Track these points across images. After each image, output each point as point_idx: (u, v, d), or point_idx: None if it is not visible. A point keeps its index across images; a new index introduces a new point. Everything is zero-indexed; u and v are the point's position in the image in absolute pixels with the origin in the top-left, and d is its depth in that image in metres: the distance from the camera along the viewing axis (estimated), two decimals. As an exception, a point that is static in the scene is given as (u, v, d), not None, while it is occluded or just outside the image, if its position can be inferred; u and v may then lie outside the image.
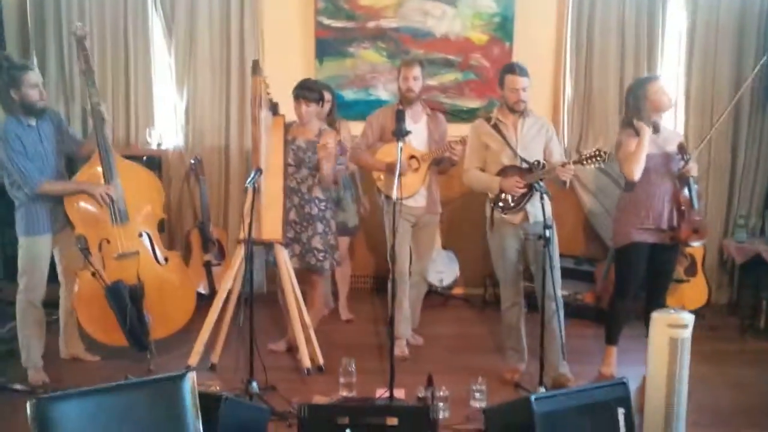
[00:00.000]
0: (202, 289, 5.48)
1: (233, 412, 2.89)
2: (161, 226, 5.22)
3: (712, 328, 5.27)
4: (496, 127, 4.14)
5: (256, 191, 3.93)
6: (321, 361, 4.28)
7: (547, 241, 3.73)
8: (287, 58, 5.95)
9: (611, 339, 4.37)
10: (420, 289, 4.84)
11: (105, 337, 4.21)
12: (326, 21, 5.90)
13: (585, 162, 3.83)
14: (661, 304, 4.29)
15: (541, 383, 3.83)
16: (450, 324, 5.44)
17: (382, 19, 5.89)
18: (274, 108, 4.42)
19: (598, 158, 3.78)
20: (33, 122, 4.08)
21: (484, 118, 4.25)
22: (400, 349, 4.62)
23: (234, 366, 4.00)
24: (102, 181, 4.14)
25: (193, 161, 5.68)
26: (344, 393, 3.90)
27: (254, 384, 3.73)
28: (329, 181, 4.30)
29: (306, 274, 4.51)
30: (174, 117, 5.99)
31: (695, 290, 5.31)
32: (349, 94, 5.95)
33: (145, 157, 5.64)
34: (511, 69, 4.12)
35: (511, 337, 4.35)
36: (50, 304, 4.37)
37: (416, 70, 4.50)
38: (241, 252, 4.09)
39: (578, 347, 4.76)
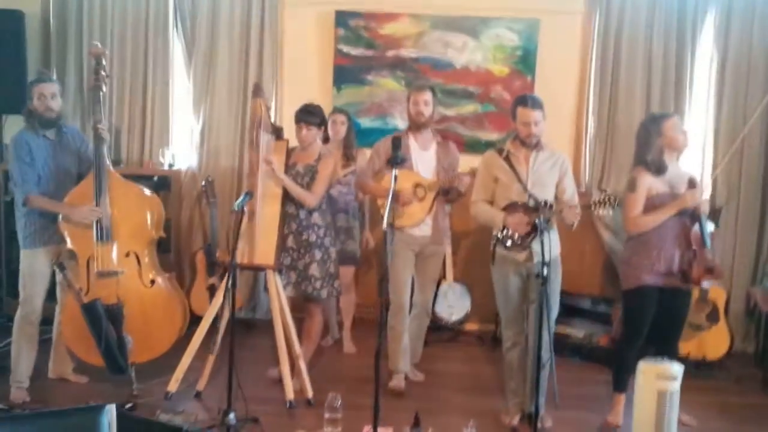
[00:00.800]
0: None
1: (195, 444, 2.76)
2: (165, 246, 5.21)
3: (735, 380, 4.98)
4: (507, 159, 3.98)
5: (244, 214, 3.84)
6: (310, 394, 4.13)
7: (544, 280, 3.54)
8: (305, 85, 5.89)
9: (619, 386, 4.14)
10: (422, 321, 4.66)
11: (86, 356, 4.14)
12: (346, 49, 5.84)
13: (593, 206, 3.66)
14: (673, 352, 4.08)
15: (534, 430, 3.62)
16: (455, 361, 5.23)
17: (402, 48, 5.82)
18: (277, 132, 4.34)
19: (607, 204, 3.61)
20: (50, 135, 4.13)
21: (496, 150, 4.10)
22: (398, 381, 4.46)
23: (220, 395, 3.87)
24: (92, 198, 4.09)
25: (204, 183, 5.63)
26: (328, 429, 3.73)
27: (231, 415, 3.59)
28: (303, 200, 4.19)
29: (304, 303, 4.39)
30: (190, 138, 5.97)
31: (717, 338, 5.03)
32: (365, 122, 5.87)
33: (156, 177, 5.63)
34: (523, 101, 3.95)
35: (512, 379, 4.14)
36: (47, 321, 4.34)
37: (426, 95, 4.39)
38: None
39: (587, 394, 4.54)
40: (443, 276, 5.70)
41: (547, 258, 3.66)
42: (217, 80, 5.87)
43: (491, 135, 5.84)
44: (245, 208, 3.81)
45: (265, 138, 4.14)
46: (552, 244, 3.91)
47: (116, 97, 5.91)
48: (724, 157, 5.24)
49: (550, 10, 5.73)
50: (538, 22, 5.72)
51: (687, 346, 4.98)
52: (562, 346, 5.37)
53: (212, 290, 5.52)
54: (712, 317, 5.01)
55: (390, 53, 5.83)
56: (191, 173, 5.93)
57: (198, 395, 4.15)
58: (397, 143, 3.77)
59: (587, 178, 5.75)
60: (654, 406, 2.43)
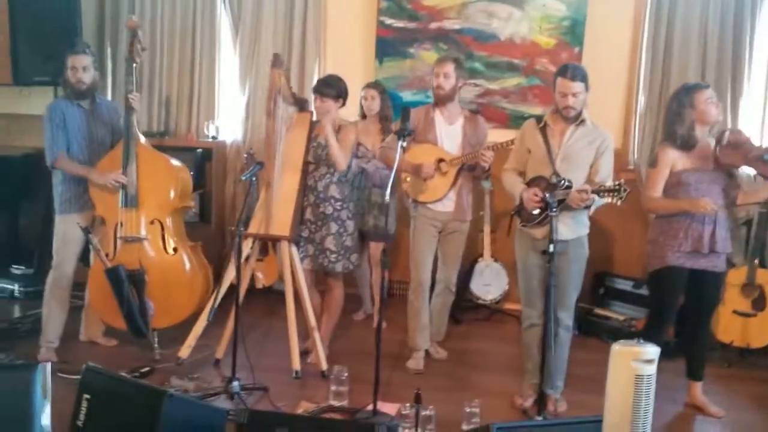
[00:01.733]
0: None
1: (179, 410, 2.82)
2: (206, 217, 5.30)
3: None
4: (543, 131, 3.83)
5: (252, 185, 3.85)
6: (324, 366, 4.13)
7: (551, 257, 3.41)
8: (348, 58, 5.88)
9: (643, 373, 3.97)
10: (445, 299, 4.57)
11: (111, 320, 4.28)
12: (388, 21, 5.77)
13: (602, 194, 3.49)
14: (702, 339, 3.90)
15: (539, 413, 3.52)
16: (487, 340, 5.13)
17: (445, 20, 5.69)
18: (302, 104, 4.34)
19: (616, 194, 3.43)
20: (85, 104, 4.28)
21: (536, 120, 3.94)
22: (416, 361, 4.42)
23: (241, 363, 3.93)
24: (120, 166, 4.20)
25: (246, 155, 5.69)
26: (333, 402, 3.73)
27: (235, 383, 3.63)
28: (337, 159, 4.16)
29: (324, 277, 4.40)
30: (235, 111, 6.05)
31: (763, 325, 4.73)
32: (407, 95, 5.79)
33: (200, 150, 5.73)
34: (564, 71, 3.73)
35: (529, 360, 4.03)
36: (81, 286, 4.50)
37: (447, 67, 4.25)
38: (248, 246, 4.04)
39: None
40: (480, 253, 5.61)
41: (559, 237, 3.55)
42: (261, 54, 5.89)
43: (536, 109, 5.63)
44: (253, 179, 3.81)
45: (287, 109, 4.13)
46: (574, 224, 3.78)
47: (166, 70, 6.04)
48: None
49: (600, -22, 5.47)
50: (587, -10, 5.47)
51: (731, 334, 4.73)
52: (600, 328, 5.23)
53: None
54: (759, 303, 4.72)
55: (433, 25, 5.71)
56: (236, 146, 6.01)
57: (217, 363, 4.23)
58: (405, 114, 3.69)
59: (636, 155, 5.50)
60: (630, 390, 2.29)
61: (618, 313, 5.31)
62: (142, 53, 4.40)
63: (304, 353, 4.40)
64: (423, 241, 4.39)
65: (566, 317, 3.83)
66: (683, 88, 3.83)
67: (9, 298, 5.39)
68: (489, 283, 5.59)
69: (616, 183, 3.45)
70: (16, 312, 5.11)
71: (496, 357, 4.79)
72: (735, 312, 4.72)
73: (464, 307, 5.62)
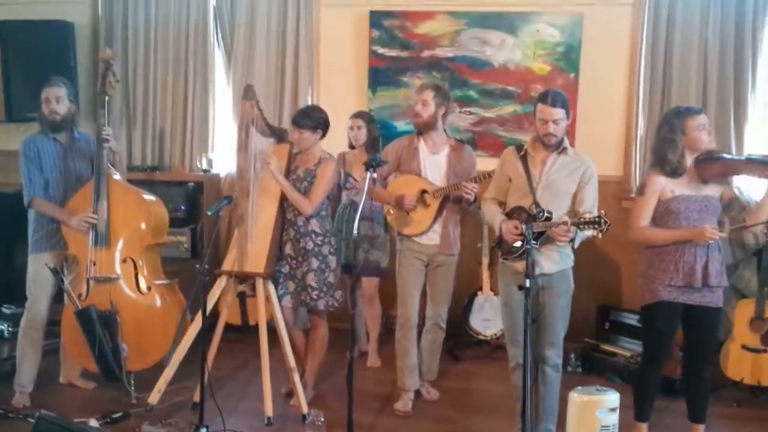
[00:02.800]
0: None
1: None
2: (197, 251, 5.16)
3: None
4: (524, 159, 3.67)
5: (219, 219, 3.73)
6: (305, 409, 3.94)
7: (527, 293, 3.23)
8: (341, 88, 5.80)
9: (641, 415, 3.73)
10: (435, 335, 4.36)
11: (83, 362, 4.16)
12: (381, 50, 5.68)
13: (581, 227, 3.31)
14: (702, 379, 3.66)
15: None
16: (485, 379, 4.89)
17: (438, 48, 5.58)
18: (279, 135, 4.23)
19: (596, 226, 3.25)
20: (62, 139, 4.20)
21: (516, 148, 3.79)
22: (404, 403, 4.23)
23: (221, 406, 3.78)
24: (91, 204, 4.10)
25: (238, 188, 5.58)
26: (308, 449, 3.55)
27: (204, 431, 3.47)
28: (299, 206, 4.04)
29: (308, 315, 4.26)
30: (230, 143, 5.96)
31: (774, 363, 4.48)
32: (401, 125, 5.66)
33: (191, 183, 5.64)
34: (544, 97, 3.57)
35: (518, 401, 3.81)
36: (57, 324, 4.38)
37: (425, 94, 4.10)
38: (221, 284, 3.91)
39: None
40: (480, 287, 5.42)
41: (538, 272, 3.39)
42: (254, 84, 5.80)
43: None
44: (220, 214, 3.68)
45: (261, 141, 4.03)
46: (559, 258, 3.59)
47: (159, 104, 6.01)
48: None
49: (594, 3, 5.33)
50: (581, 15, 5.34)
51: (740, 371, 4.48)
52: (605, 365, 5.00)
53: (242, 298, 5.47)
54: (769, 339, 4.47)
55: (425, 53, 5.61)
56: (230, 179, 5.90)
57: (195, 407, 4.06)
58: (375, 143, 3.54)
59: (638, 182, 5.29)
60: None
61: (624, 349, 5.06)
62: (115, 86, 4.30)
63: (289, 395, 4.24)
64: (409, 276, 4.22)
65: (554, 355, 3.62)
66: (675, 112, 3.64)
67: (-1, 338, 5.31)
68: (488, 318, 5.38)
69: (596, 216, 3.28)
70: (4, 353, 5.01)
71: (493, 398, 4.54)
72: (744, 347, 4.47)
73: (464, 343, 5.43)
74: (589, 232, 3.29)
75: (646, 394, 3.71)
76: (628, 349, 5.05)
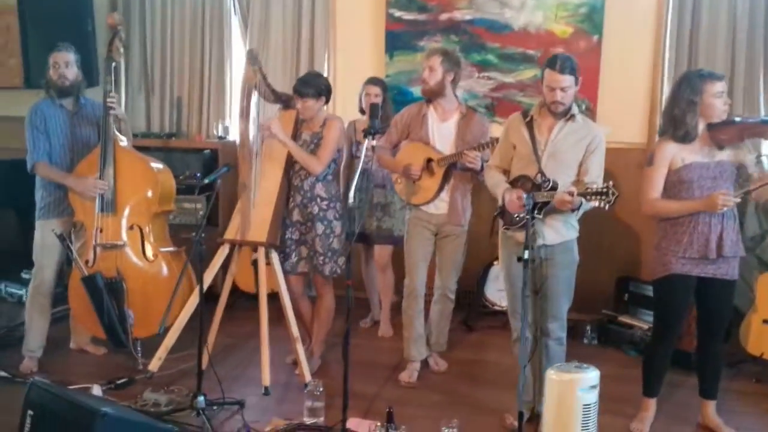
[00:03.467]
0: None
1: (114, 430, 2.66)
2: (213, 219, 5.12)
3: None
4: (530, 125, 3.54)
5: (218, 188, 3.68)
6: (308, 378, 3.90)
7: (525, 264, 3.13)
8: (357, 53, 5.69)
9: (648, 390, 3.63)
10: (444, 306, 4.28)
11: (91, 328, 4.18)
12: (398, 13, 5.53)
13: (588, 197, 3.17)
14: (714, 354, 3.53)
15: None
16: (495, 350, 4.78)
17: (456, 10, 5.41)
18: (285, 101, 4.15)
19: (604, 197, 3.11)
20: (68, 105, 4.18)
21: (522, 113, 3.64)
22: (409, 373, 4.17)
23: (226, 374, 3.82)
24: (97, 169, 4.09)
25: (256, 154, 5.52)
26: (307, 419, 3.52)
27: (200, 399, 3.46)
28: (308, 166, 3.96)
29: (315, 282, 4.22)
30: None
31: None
32: (418, 92, 5.48)
33: (207, 150, 5.61)
34: (552, 63, 3.42)
35: (520, 375, 3.72)
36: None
37: (433, 60, 3.97)
38: (224, 252, 3.88)
39: (623, 395, 3.93)
40: (495, 257, 5.29)
41: (540, 242, 3.28)
42: (271, 51, 5.78)
43: (553, 103, 5.31)
44: (218, 181, 3.62)
45: (268, 107, 3.96)
46: (563, 228, 3.48)
47: (177, 70, 6.00)
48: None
49: (619, -40, 5.10)
50: (605, -26, 5.10)
51: (761, 346, 4.31)
52: (621, 337, 4.88)
53: (255, 265, 5.43)
54: (791, 313, 4.29)
55: (443, 16, 5.45)
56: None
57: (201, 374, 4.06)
58: (374, 111, 3.43)
59: (661, 151, 5.10)
60: (574, 421, 2.01)
61: (642, 321, 4.92)
62: (122, 52, 4.25)
63: (295, 364, 4.22)
64: (416, 245, 4.14)
65: (557, 328, 3.52)
66: (697, 74, 3.41)
67: (18, 303, 5.37)
68: (503, 288, 5.25)
69: (604, 186, 3.13)
70: (22, 317, 5.08)
71: (502, 369, 4.43)
72: (765, 322, 4.30)
73: (478, 313, 5.34)
74: (595, 203, 3.15)
75: (655, 370, 3.59)
76: (645, 321, 4.91)
